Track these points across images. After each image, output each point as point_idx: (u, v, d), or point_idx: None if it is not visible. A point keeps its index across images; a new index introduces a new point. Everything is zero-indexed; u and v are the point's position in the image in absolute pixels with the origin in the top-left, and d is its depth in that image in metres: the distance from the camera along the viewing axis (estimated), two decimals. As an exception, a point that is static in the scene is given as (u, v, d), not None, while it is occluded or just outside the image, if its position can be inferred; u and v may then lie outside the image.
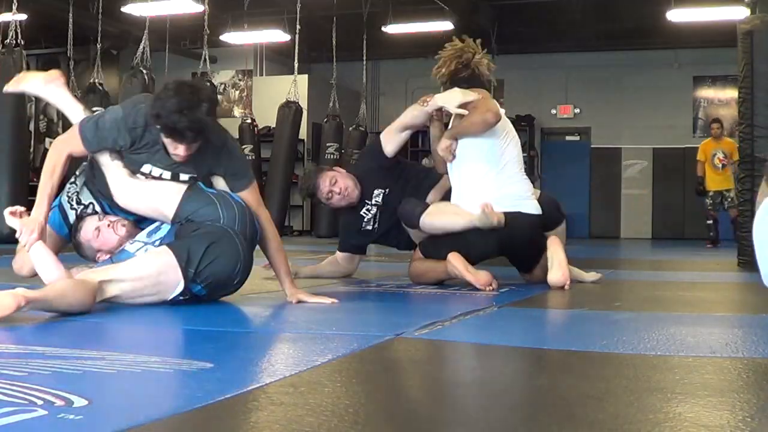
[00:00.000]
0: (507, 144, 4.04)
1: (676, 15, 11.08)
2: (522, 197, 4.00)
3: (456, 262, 3.79)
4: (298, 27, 10.51)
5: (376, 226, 4.34)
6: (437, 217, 3.95)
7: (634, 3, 11.82)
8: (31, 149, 13.11)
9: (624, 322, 2.84)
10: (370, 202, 4.31)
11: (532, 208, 4.01)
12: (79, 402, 1.44)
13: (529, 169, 15.11)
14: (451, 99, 4.08)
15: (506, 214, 3.85)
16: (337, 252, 4.45)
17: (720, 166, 10.13)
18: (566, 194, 14.94)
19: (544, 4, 12.66)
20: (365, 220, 4.33)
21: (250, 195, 3.18)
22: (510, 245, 4.00)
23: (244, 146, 11.86)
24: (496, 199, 3.86)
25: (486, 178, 3.94)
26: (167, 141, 2.96)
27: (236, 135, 12.51)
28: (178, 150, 2.96)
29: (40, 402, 1.43)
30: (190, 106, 2.83)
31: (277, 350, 2.27)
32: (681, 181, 13.69)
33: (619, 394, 1.67)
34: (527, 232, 3.98)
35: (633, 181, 14.80)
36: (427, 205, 4.04)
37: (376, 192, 4.30)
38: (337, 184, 4.23)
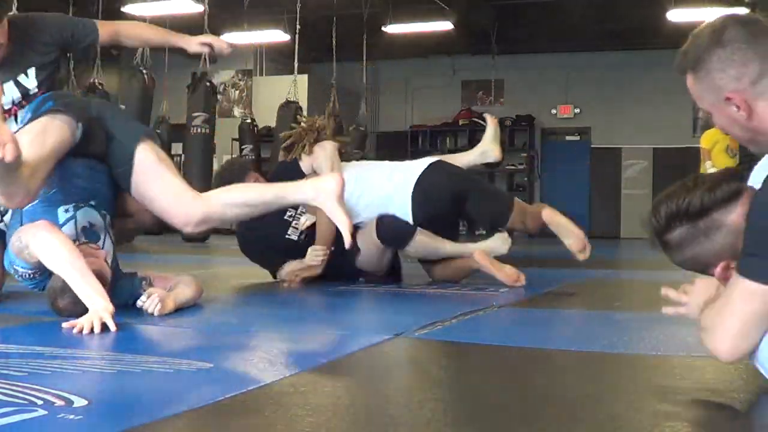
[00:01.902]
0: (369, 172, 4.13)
1: (676, 15, 11.07)
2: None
3: (483, 260, 3.88)
4: (298, 27, 10.50)
5: (302, 237, 4.01)
6: (430, 240, 3.92)
7: (635, 3, 11.81)
8: None
9: (624, 322, 2.84)
10: (296, 210, 4.04)
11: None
12: (79, 402, 1.44)
13: (529, 169, 15.14)
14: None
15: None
16: None
17: (733, 153, 9.90)
18: (566, 194, 15.05)
19: (544, 4, 12.64)
20: (291, 225, 4.04)
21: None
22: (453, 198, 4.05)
23: (243, 146, 11.87)
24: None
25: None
26: None
27: (236, 135, 12.52)
28: None
29: (40, 402, 1.43)
30: None
31: (277, 350, 2.27)
32: (681, 181, 13.68)
33: (619, 394, 1.67)
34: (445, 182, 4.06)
35: (633, 181, 14.80)
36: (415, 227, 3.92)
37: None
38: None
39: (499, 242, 4.02)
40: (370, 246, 3.88)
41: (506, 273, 3.87)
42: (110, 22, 3.44)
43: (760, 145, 1.69)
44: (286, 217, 4.01)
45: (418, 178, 4.01)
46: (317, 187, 2.71)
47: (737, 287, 1.54)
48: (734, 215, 1.59)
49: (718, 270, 1.65)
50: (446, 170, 4.14)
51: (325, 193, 2.67)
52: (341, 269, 3.94)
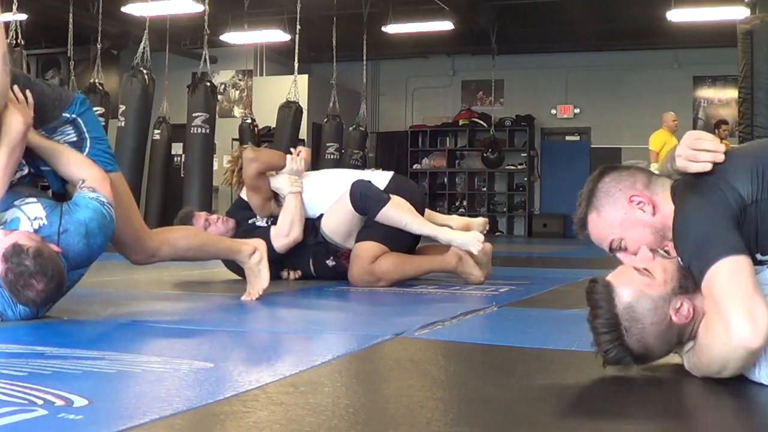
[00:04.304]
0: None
1: (676, 15, 11.07)
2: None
3: (459, 265, 3.96)
4: (298, 27, 10.49)
5: (270, 222, 4.17)
6: (401, 210, 3.89)
7: (634, 3, 11.81)
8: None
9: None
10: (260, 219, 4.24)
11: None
12: (79, 402, 1.44)
13: (530, 169, 15.15)
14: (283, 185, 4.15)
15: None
16: None
17: None
18: (566, 194, 15.00)
19: (544, 4, 12.65)
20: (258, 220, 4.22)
21: None
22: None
23: (244, 146, 11.85)
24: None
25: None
26: None
27: (236, 135, 12.52)
28: None
29: (40, 402, 1.44)
30: None
31: (277, 350, 2.27)
32: (681, 181, 13.68)
33: (619, 394, 1.67)
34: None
35: (633, 181, 14.79)
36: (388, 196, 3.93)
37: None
38: (212, 223, 4.16)
39: (474, 239, 3.85)
40: (340, 215, 3.98)
41: (476, 277, 3.96)
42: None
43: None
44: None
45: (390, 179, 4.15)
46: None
47: (714, 280, 1.59)
48: (624, 291, 1.68)
49: (675, 317, 1.68)
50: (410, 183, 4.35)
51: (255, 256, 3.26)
52: (334, 270, 4.10)
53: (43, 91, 2.75)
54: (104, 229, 2.61)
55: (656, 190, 1.85)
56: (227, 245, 3.34)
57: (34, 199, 2.61)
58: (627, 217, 1.84)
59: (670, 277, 1.69)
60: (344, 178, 4.15)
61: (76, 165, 2.71)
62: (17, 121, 2.52)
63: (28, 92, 2.66)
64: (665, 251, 1.78)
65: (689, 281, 1.68)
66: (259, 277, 3.24)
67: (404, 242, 3.99)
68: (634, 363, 1.73)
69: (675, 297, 1.68)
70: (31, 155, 2.71)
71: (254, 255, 3.25)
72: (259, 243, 3.34)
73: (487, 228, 4.26)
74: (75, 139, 2.77)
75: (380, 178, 4.13)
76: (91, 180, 2.66)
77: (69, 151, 2.73)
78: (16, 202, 2.58)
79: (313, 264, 4.13)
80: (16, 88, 2.63)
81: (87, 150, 2.78)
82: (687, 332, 1.71)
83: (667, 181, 1.88)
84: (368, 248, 3.90)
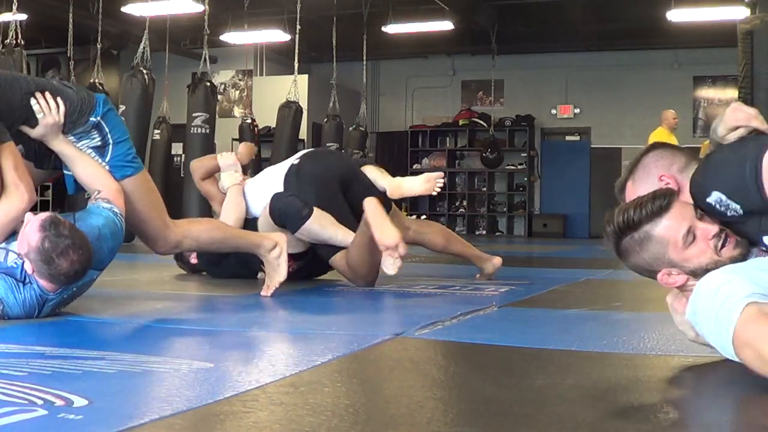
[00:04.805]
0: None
1: (676, 15, 11.07)
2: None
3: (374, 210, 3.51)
4: (298, 27, 10.50)
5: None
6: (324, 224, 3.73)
7: (634, 3, 11.81)
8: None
9: (624, 322, 2.84)
10: None
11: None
12: (79, 402, 1.44)
13: (529, 169, 15.14)
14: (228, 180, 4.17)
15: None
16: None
17: None
18: (566, 194, 15.06)
19: (544, 4, 12.65)
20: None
21: None
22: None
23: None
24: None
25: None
26: None
27: (236, 135, 12.52)
28: None
29: (40, 402, 1.44)
30: None
31: (277, 350, 2.27)
32: (681, 181, 13.68)
33: (619, 394, 1.67)
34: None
35: (633, 181, 14.80)
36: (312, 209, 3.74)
37: None
38: None
39: (389, 262, 3.49)
40: (267, 224, 3.88)
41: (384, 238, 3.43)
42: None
43: None
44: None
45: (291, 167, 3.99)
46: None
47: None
48: (660, 227, 1.80)
49: (660, 276, 1.84)
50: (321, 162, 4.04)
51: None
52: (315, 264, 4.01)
53: (70, 96, 2.86)
54: (115, 236, 2.71)
55: (690, 175, 1.91)
56: (249, 239, 3.39)
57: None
58: None
59: (697, 262, 1.79)
60: (275, 179, 4.04)
61: (95, 176, 2.86)
62: (20, 200, 2.59)
63: (60, 100, 2.80)
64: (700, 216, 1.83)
65: (701, 274, 1.76)
66: (278, 270, 3.33)
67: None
68: (614, 250, 1.89)
69: (678, 269, 1.81)
70: (55, 156, 2.88)
71: (275, 249, 3.33)
72: (279, 237, 3.40)
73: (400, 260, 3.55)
74: (99, 143, 2.90)
75: (294, 158, 4.06)
76: (106, 192, 2.79)
77: (90, 161, 2.88)
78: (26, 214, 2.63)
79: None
80: (48, 95, 2.77)
81: (109, 154, 2.91)
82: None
83: None
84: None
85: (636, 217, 1.81)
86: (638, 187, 1.97)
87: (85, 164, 2.87)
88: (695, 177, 1.85)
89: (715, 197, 1.75)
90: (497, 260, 4.30)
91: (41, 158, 2.92)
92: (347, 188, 3.92)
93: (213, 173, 4.20)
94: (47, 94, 2.77)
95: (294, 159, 4.08)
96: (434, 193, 3.89)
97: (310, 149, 4.13)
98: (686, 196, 1.87)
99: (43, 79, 2.96)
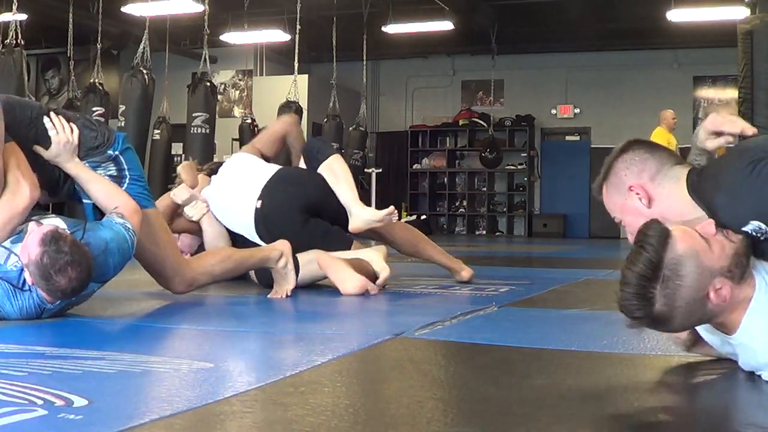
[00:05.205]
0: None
1: (676, 15, 11.07)
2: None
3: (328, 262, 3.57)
4: (298, 27, 10.50)
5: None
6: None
7: (634, 3, 11.81)
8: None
9: (624, 322, 2.83)
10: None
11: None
12: (79, 402, 1.44)
13: (529, 169, 15.15)
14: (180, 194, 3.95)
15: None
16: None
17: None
18: (566, 194, 15.06)
19: (544, 4, 12.65)
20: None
21: None
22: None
23: (244, 146, 11.88)
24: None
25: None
26: None
27: (236, 135, 12.52)
28: None
29: (40, 402, 1.44)
30: None
31: (277, 350, 2.27)
32: (681, 181, 13.69)
33: (619, 394, 1.67)
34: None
35: (633, 181, 14.80)
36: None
37: None
38: None
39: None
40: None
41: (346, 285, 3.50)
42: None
43: None
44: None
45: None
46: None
47: None
48: (679, 244, 1.61)
49: (712, 296, 1.62)
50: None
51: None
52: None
53: (88, 124, 2.93)
54: (123, 252, 2.67)
55: (663, 183, 1.86)
56: (257, 258, 3.39)
57: (54, 215, 2.72)
58: (625, 203, 1.92)
59: (726, 257, 1.63)
60: (238, 204, 3.87)
61: (112, 194, 2.85)
62: (23, 197, 2.57)
63: (73, 125, 2.85)
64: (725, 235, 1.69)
65: (739, 270, 1.63)
66: (287, 278, 3.36)
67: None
68: (648, 321, 1.64)
69: (721, 277, 1.62)
70: (72, 184, 2.90)
71: (281, 260, 3.34)
72: (283, 245, 3.39)
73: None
74: (115, 174, 2.93)
75: (263, 174, 3.88)
76: (123, 208, 2.76)
77: (106, 181, 2.89)
78: (34, 217, 2.62)
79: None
80: (62, 118, 2.83)
81: (125, 186, 2.93)
82: (712, 318, 1.66)
83: (683, 172, 1.85)
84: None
85: (652, 255, 1.60)
86: (611, 196, 1.96)
87: (101, 183, 2.87)
88: (725, 202, 1.71)
89: (753, 226, 1.67)
90: (469, 272, 4.09)
91: (55, 186, 2.91)
92: (320, 209, 3.80)
93: (175, 211, 4.04)
94: (62, 117, 2.82)
95: (255, 200, 3.81)
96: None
97: (272, 176, 3.83)
98: (661, 207, 1.83)
99: (62, 109, 3.04)
